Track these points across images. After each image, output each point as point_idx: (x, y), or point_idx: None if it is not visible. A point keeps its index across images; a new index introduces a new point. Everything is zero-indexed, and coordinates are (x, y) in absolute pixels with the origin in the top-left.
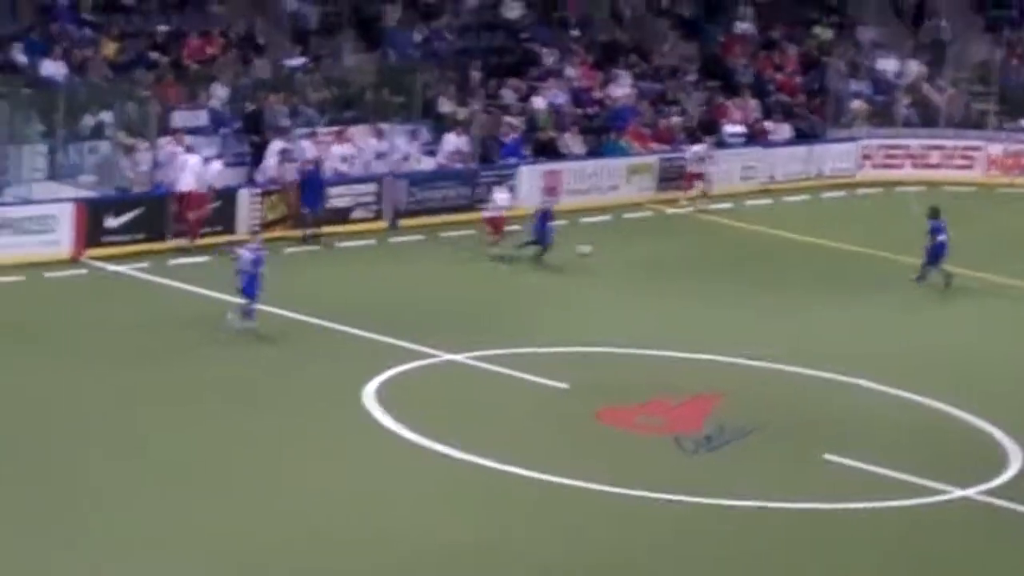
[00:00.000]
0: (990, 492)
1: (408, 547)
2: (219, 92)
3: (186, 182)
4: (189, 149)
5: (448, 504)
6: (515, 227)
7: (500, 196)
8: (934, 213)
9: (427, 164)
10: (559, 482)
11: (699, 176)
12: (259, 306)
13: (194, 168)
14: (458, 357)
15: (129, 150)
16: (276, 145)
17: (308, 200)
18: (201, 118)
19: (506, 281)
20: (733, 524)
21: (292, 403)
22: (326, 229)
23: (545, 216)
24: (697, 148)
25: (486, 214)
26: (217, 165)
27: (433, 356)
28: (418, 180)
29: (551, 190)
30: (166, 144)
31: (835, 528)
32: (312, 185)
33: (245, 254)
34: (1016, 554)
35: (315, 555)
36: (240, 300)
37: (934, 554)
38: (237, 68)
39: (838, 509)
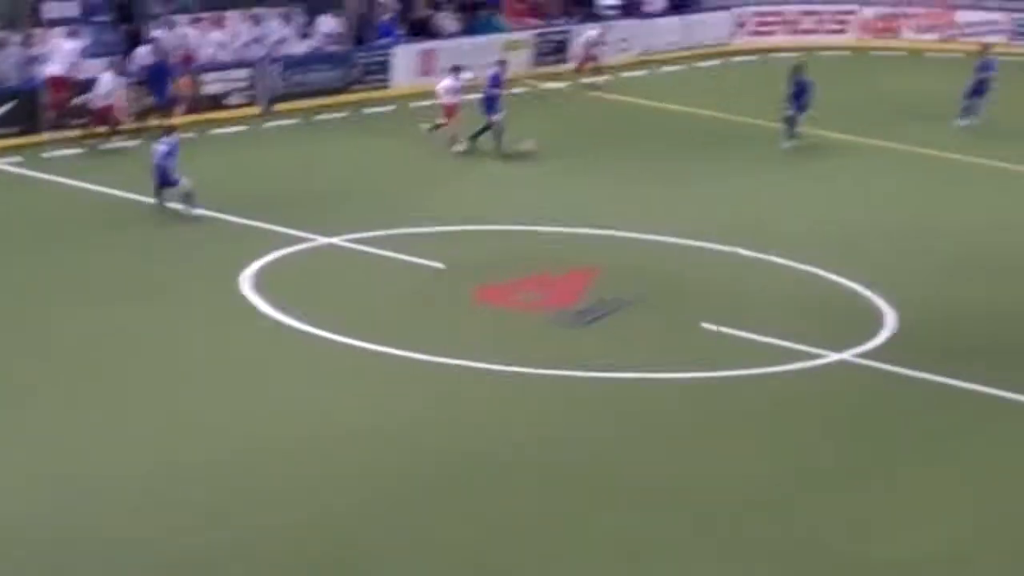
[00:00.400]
0: (866, 355)
1: (293, 431)
2: None
3: (54, 68)
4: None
5: (330, 387)
6: None
7: (443, 83)
8: (798, 70)
9: (302, 47)
10: (439, 361)
11: (593, 59)
12: (136, 196)
13: (67, 54)
14: (335, 240)
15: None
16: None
17: (155, 89)
18: (72, 8)
19: (385, 162)
20: (614, 395)
21: (169, 292)
22: (205, 116)
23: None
24: (591, 33)
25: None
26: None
27: (310, 240)
28: (292, 64)
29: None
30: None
31: (714, 396)
32: (158, 74)
33: (159, 148)
34: (892, 413)
35: (195, 444)
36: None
37: (813, 417)
38: None
39: (715, 377)
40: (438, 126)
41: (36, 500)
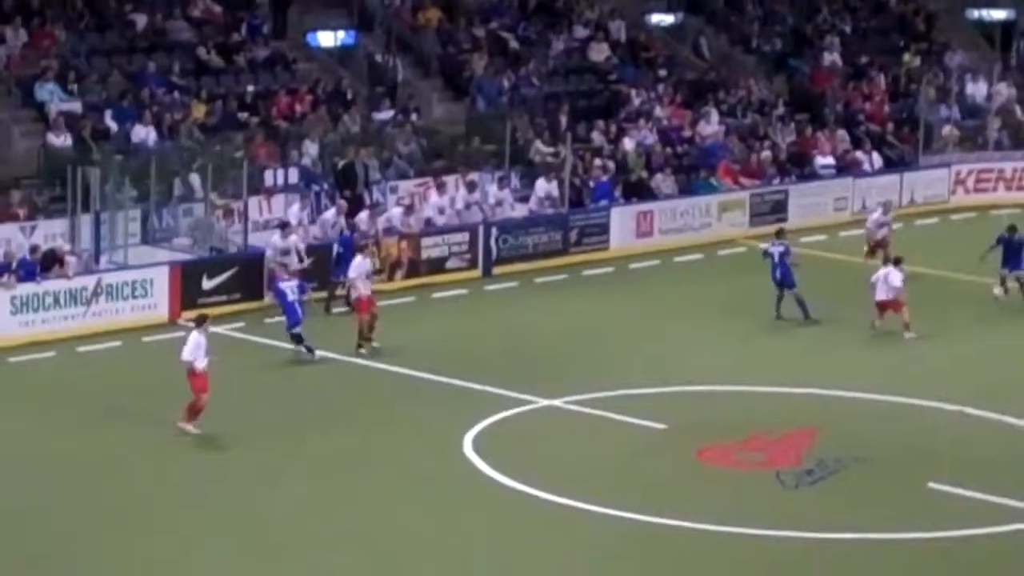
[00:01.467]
0: None
1: None
2: (310, 149)
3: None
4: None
5: (558, 551)
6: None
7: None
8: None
9: (519, 211)
10: (665, 524)
11: (882, 244)
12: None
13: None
14: (556, 402)
15: (224, 212)
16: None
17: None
18: (292, 176)
19: (599, 323)
20: (838, 557)
21: (397, 457)
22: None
23: None
24: (876, 215)
25: None
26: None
27: (531, 403)
28: (510, 227)
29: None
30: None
31: (939, 557)
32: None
33: (290, 285)
34: None
35: None
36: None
37: None
38: (326, 124)
39: (941, 538)
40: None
41: None
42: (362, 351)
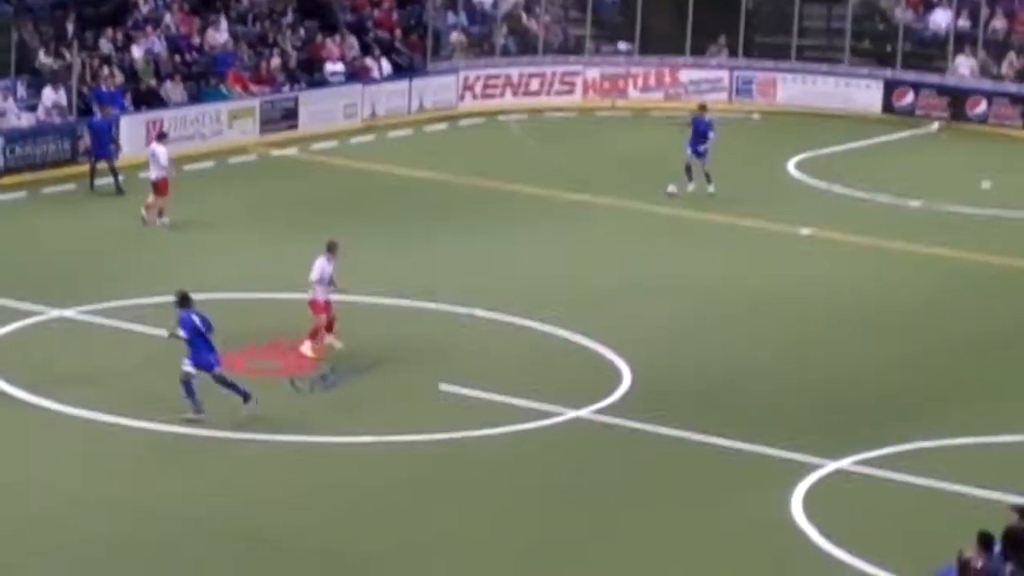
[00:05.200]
0: (602, 411)
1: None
2: None
3: None
4: None
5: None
6: None
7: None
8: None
9: (27, 120)
10: (173, 431)
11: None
12: None
13: None
14: (67, 312)
15: None
16: None
17: None
18: None
19: (113, 231)
20: (355, 462)
21: None
22: None
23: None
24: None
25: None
26: None
27: (41, 313)
28: (16, 137)
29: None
30: None
31: (455, 458)
32: None
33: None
34: (628, 468)
35: None
36: None
37: (551, 475)
38: None
39: (456, 439)
40: None
41: None
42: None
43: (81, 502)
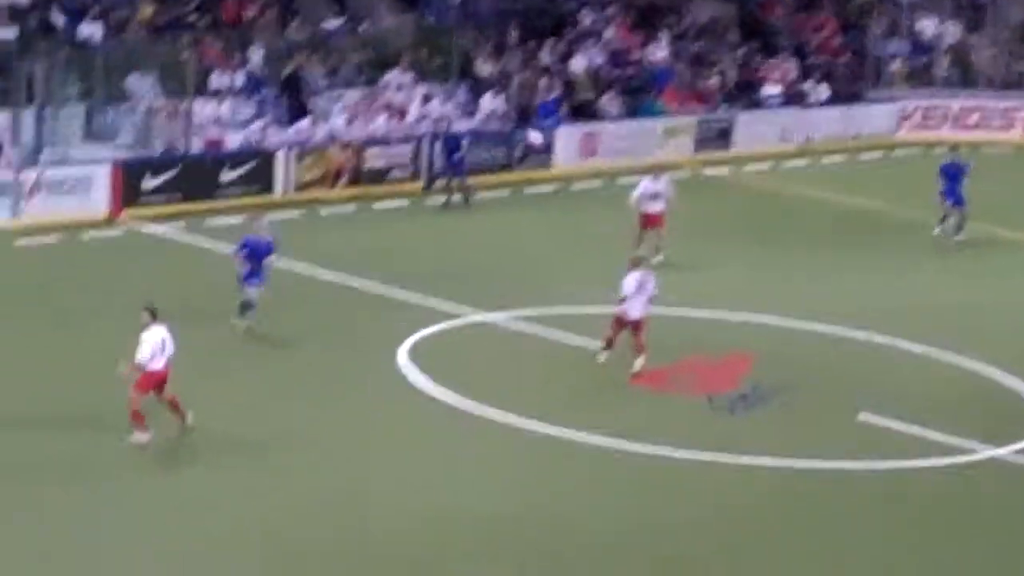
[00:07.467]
0: (1021, 451)
1: (448, 514)
2: (256, 55)
3: None
4: None
5: (486, 468)
6: None
7: None
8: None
9: (464, 126)
10: (592, 443)
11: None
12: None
13: None
14: (492, 317)
15: (168, 112)
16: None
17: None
18: (239, 79)
19: (541, 240)
20: (765, 483)
21: (328, 366)
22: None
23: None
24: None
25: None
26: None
27: (468, 316)
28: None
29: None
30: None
31: (864, 488)
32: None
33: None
34: None
35: (357, 518)
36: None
37: (964, 514)
38: (274, 30)
39: (868, 469)
40: None
41: None
42: None
43: (496, 512)
